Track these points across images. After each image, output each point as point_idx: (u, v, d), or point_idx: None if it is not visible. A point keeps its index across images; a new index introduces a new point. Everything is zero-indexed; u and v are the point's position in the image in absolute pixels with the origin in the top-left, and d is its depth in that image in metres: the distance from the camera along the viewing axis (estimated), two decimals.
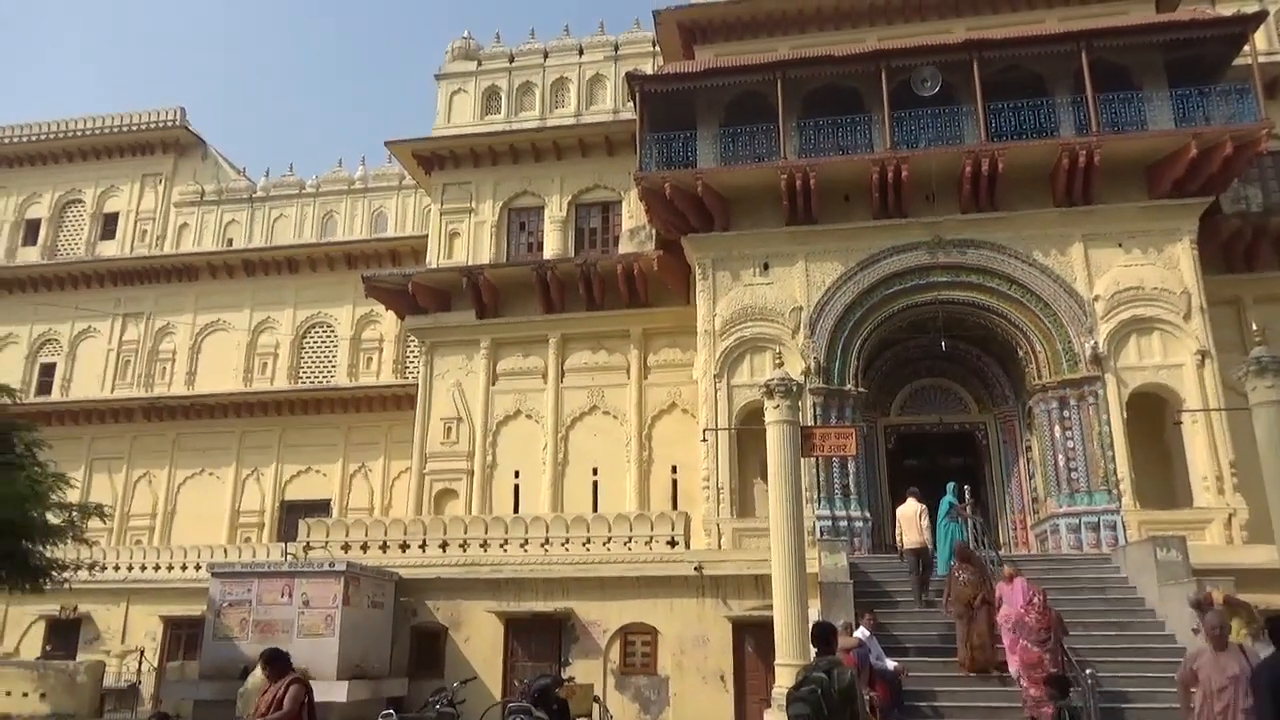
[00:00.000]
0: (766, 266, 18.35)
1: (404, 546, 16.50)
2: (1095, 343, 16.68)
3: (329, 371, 26.64)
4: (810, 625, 11.81)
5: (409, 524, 17.00)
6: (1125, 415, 16.37)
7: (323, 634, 13.86)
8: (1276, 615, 11.29)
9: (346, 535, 16.85)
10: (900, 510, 13.97)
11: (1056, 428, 16.81)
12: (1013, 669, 10.64)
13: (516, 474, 21.04)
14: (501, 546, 16.16)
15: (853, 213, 18.28)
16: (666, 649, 14.96)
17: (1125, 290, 16.93)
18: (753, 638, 14.49)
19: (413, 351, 25.48)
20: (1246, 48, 17.39)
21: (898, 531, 13.90)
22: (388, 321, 25.83)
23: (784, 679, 11.50)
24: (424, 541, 16.47)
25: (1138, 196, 17.50)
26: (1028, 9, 19.53)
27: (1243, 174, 18.34)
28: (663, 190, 18.15)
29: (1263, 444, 11.41)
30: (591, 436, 20.91)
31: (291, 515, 23.65)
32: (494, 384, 21.70)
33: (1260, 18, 17.58)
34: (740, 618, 14.62)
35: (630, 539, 15.83)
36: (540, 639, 15.44)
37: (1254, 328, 12.71)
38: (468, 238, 23.00)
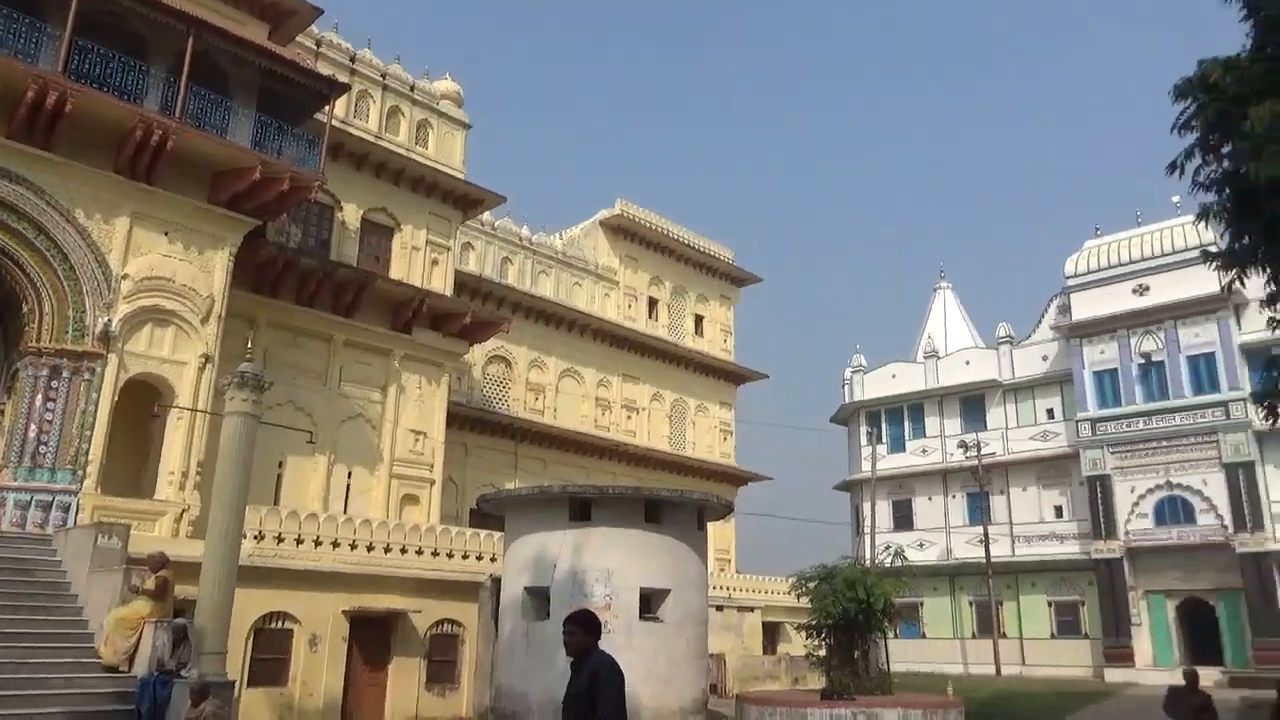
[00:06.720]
0: None
1: None
2: (110, 320, 16.19)
3: None
4: None
5: None
6: (117, 399, 16.16)
7: None
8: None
9: None
10: None
11: (40, 396, 15.58)
12: None
13: None
14: None
15: None
16: None
17: (156, 278, 16.94)
18: None
19: None
20: (329, 108, 19.70)
21: None
22: None
23: None
24: None
25: (197, 195, 17.87)
26: None
27: (292, 213, 20.45)
28: None
29: (223, 449, 12.36)
30: None
31: None
32: None
33: (343, 88, 20.12)
34: None
35: None
36: None
37: (249, 345, 13.96)
38: None
